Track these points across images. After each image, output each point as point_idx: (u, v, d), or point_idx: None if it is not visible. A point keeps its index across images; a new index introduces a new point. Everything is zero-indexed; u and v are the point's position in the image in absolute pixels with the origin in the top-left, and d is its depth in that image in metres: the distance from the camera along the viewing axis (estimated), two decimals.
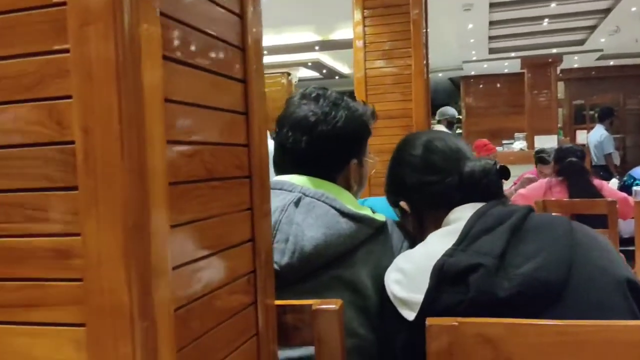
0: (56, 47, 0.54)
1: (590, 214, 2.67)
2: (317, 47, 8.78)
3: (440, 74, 11.51)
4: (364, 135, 1.17)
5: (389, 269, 1.01)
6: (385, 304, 0.98)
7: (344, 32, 7.76)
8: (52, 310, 0.55)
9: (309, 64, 10.09)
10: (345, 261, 1.01)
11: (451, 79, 12.59)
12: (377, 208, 1.16)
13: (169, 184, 0.58)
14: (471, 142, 7.72)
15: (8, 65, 0.56)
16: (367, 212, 1.07)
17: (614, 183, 4.27)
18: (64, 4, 0.53)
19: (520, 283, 0.86)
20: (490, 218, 0.95)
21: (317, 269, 1.00)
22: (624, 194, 3.21)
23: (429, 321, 0.76)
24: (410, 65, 3.24)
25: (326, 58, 9.97)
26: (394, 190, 1.18)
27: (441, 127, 5.88)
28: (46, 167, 0.55)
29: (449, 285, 0.88)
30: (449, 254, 0.91)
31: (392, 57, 3.31)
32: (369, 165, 1.21)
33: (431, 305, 0.88)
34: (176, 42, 0.61)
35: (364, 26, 3.31)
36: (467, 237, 0.93)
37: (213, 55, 0.70)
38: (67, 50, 0.53)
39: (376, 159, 1.27)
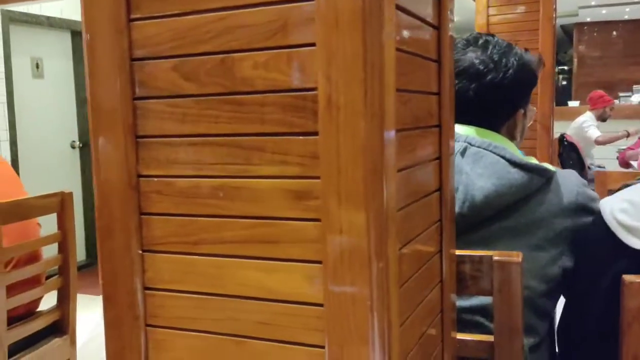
0: None
1: None
2: None
3: None
4: (532, 83, 1.13)
5: (611, 199, 1.00)
6: (598, 236, 0.97)
7: None
8: (288, 247, 0.59)
9: None
10: (517, 211, 1.00)
11: (562, 26, 11.77)
12: None
13: (396, 130, 0.59)
14: (584, 94, 7.24)
15: (248, 14, 0.58)
16: (535, 161, 1.04)
17: None
18: None
19: None
20: None
21: (486, 218, 0.99)
22: None
23: (627, 278, 0.74)
24: (537, 12, 3.07)
25: None
26: None
27: None
28: (284, 112, 0.58)
29: None
30: None
31: (516, 3, 3.16)
32: (529, 116, 1.18)
33: None
34: None
35: None
36: None
37: (418, 1, 0.69)
38: None
39: (534, 108, 1.23)
